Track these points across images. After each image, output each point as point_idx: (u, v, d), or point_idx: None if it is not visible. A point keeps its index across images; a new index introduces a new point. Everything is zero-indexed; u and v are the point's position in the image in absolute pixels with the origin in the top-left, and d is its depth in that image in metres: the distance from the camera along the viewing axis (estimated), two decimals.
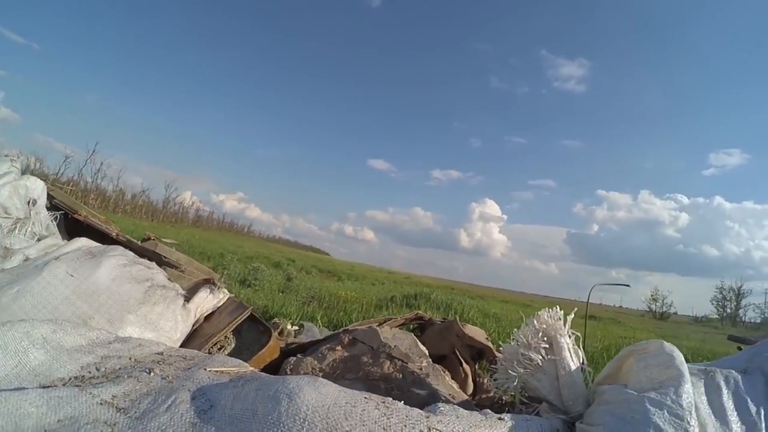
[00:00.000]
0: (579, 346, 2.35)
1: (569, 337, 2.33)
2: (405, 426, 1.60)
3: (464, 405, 2.11)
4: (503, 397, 3.23)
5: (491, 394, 3.51)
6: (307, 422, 1.50)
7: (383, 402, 1.72)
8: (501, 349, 2.59)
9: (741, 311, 64.52)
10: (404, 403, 1.78)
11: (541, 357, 2.27)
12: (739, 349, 3.16)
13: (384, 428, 1.57)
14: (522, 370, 2.30)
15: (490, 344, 4.13)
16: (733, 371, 2.06)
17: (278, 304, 8.63)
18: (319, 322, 7.75)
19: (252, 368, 2.15)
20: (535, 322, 2.38)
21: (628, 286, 5.48)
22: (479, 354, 4.12)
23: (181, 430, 1.52)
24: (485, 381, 3.91)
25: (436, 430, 1.64)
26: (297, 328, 5.96)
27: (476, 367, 4.02)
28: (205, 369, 1.92)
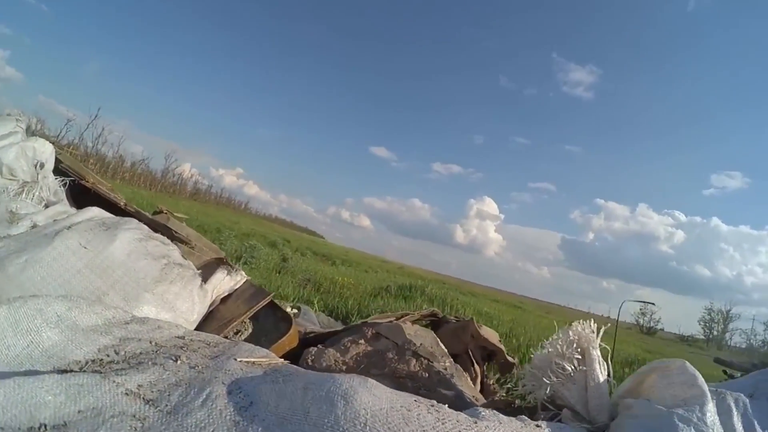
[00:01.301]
0: (607, 359, 2.40)
1: (599, 349, 2.39)
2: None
3: (487, 407, 2.08)
4: (515, 401, 3.28)
5: (497, 396, 3.50)
6: (368, 428, 1.39)
7: (432, 406, 1.65)
8: (532, 356, 2.64)
9: (727, 334, 65.33)
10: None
11: (573, 367, 2.33)
12: (724, 372, 3.21)
13: None
14: (555, 379, 2.35)
15: (502, 347, 4.17)
16: (742, 395, 2.16)
17: (275, 285, 8.57)
18: (316, 306, 7.68)
19: (283, 360, 2.02)
20: (570, 332, 2.43)
21: (653, 304, 5.64)
22: (489, 355, 4.14)
23: (224, 429, 1.37)
24: (491, 382, 3.98)
25: None
26: (296, 311, 5.84)
27: (483, 367, 4.00)
28: (236, 359, 1.79)
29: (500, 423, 1.76)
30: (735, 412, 2.04)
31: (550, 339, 2.51)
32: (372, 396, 1.51)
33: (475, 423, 1.64)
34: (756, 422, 2.03)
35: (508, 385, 4.52)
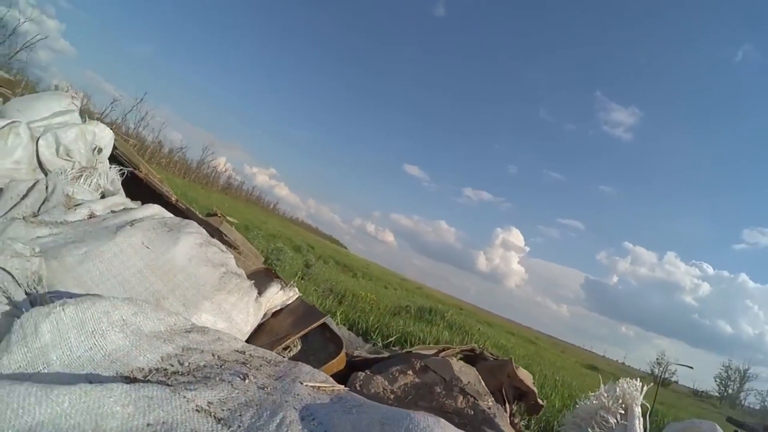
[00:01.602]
0: (646, 416, 2.48)
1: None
2: None
3: None
4: None
5: None
6: None
7: None
8: (578, 406, 2.76)
9: (742, 394, 64.05)
10: None
11: (615, 421, 2.43)
12: None
13: None
14: (597, 430, 2.45)
15: (535, 389, 4.19)
16: None
17: (299, 292, 8.51)
18: (338, 318, 7.63)
19: (344, 387, 1.96)
20: (617, 388, 2.54)
21: (691, 368, 5.71)
22: (520, 395, 4.17)
23: None
24: (518, 421, 4.03)
25: None
26: None
27: (512, 407, 4.01)
28: (301, 383, 1.75)
29: None
30: None
31: (596, 392, 2.62)
32: None
33: None
34: None
35: (534, 428, 4.80)
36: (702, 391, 64.64)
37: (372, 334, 7.75)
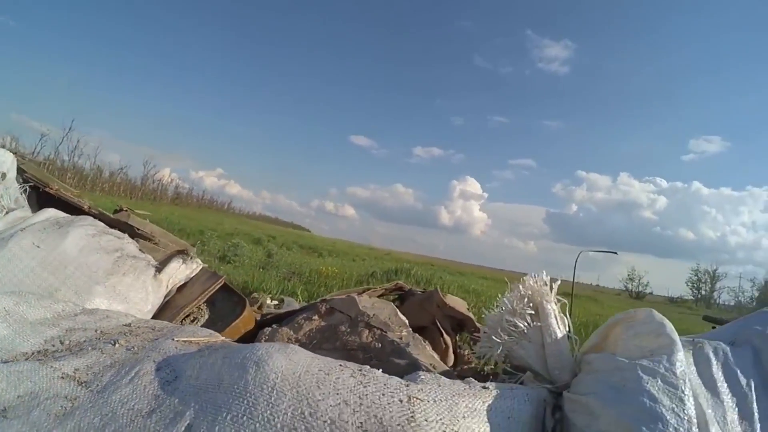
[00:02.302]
0: (565, 314, 2.25)
1: (556, 303, 2.23)
2: (383, 395, 1.51)
3: (445, 375, 1.99)
4: (485, 369, 3.19)
5: (472, 365, 3.50)
6: (275, 391, 1.42)
7: (359, 370, 1.64)
8: (484, 317, 2.48)
9: (715, 294, 66.44)
10: (383, 372, 1.70)
11: (526, 324, 2.18)
12: (713, 329, 3.20)
13: (360, 397, 1.48)
14: (507, 338, 2.21)
15: (471, 315, 4.07)
16: (722, 343, 2.00)
17: (258, 280, 8.59)
18: (299, 296, 7.72)
19: (223, 338, 2.07)
20: (521, 287, 2.28)
21: (615, 253, 5.56)
22: (460, 325, 4.08)
23: (144, 402, 1.44)
24: (466, 353, 3.91)
25: (417, 398, 1.54)
26: (276, 302, 5.91)
27: (457, 338, 3.99)
28: (173, 339, 1.85)
29: (439, 386, 1.69)
30: (714, 362, 1.89)
31: (501, 297, 2.38)
32: (287, 360, 1.54)
33: (407, 386, 1.61)
34: (738, 371, 1.88)
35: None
36: (677, 298, 66.70)
37: None
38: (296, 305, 5.47)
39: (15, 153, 3.55)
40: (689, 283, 68.95)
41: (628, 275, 63.33)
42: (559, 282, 2.29)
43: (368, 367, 1.71)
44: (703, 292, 67.68)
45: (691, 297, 66.95)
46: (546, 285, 2.25)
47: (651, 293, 63.49)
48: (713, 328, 2.92)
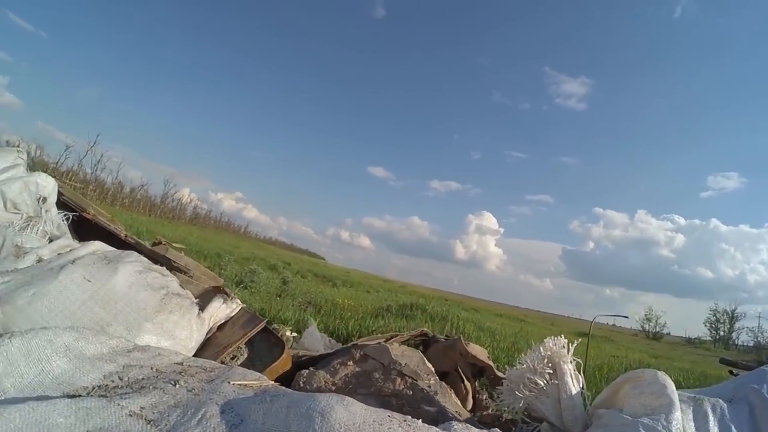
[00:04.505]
0: (579, 372, 2.58)
1: (571, 363, 2.56)
2: None
3: (469, 422, 2.24)
4: (503, 416, 3.34)
5: (489, 410, 3.60)
6: None
7: (405, 420, 1.77)
8: (507, 372, 2.79)
9: (734, 334, 64.54)
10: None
11: (545, 381, 2.49)
12: (731, 372, 3.28)
13: None
14: (528, 393, 2.51)
15: (491, 363, 4.28)
16: (720, 400, 2.26)
17: (275, 309, 8.64)
18: (316, 327, 7.74)
19: (273, 382, 2.16)
20: (541, 349, 2.61)
21: (626, 317, 5.75)
22: (480, 372, 4.27)
23: None
24: (484, 398, 4.07)
25: None
26: (296, 334, 5.97)
27: (476, 384, 4.14)
28: (229, 382, 1.93)
29: None
30: (711, 418, 2.14)
31: (524, 355, 2.71)
32: (347, 412, 1.64)
33: None
34: (733, 427, 2.12)
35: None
36: (695, 339, 65.16)
37: (353, 339, 7.84)
38: (317, 334, 5.54)
39: (54, 175, 3.68)
40: (707, 324, 67.15)
41: (645, 315, 62.03)
42: (575, 344, 2.64)
43: (410, 417, 1.83)
44: (722, 333, 65.83)
45: (710, 338, 65.28)
46: (564, 347, 2.59)
47: (668, 334, 62.03)
48: (730, 371, 3.28)
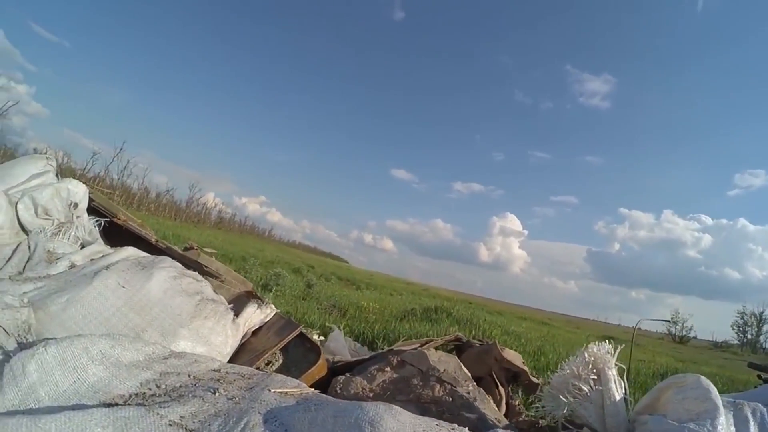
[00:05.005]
0: (623, 378, 2.51)
1: (615, 368, 2.51)
2: None
3: (510, 429, 2.36)
4: (540, 422, 3.32)
5: (522, 416, 3.60)
6: None
7: (453, 429, 1.74)
8: (550, 378, 2.78)
9: (762, 337, 63.26)
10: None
11: (588, 387, 2.45)
12: (759, 377, 3.20)
13: None
14: (572, 399, 2.47)
15: (526, 368, 4.26)
16: (760, 405, 2.23)
17: (301, 312, 8.64)
18: (343, 332, 7.71)
19: (313, 390, 2.12)
20: (586, 354, 2.55)
21: (668, 321, 5.66)
22: (514, 377, 4.26)
23: None
24: (516, 403, 4.01)
25: None
26: (322, 338, 5.94)
27: (509, 389, 4.07)
28: (269, 390, 1.89)
29: None
30: (752, 422, 2.13)
31: (567, 361, 2.65)
32: (396, 422, 1.59)
33: None
34: None
35: (535, 406, 4.55)
36: (722, 342, 63.88)
37: (378, 342, 7.80)
38: (341, 340, 5.51)
39: (84, 181, 3.68)
40: (735, 327, 65.87)
41: (672, 318, 60.98)
42: (619, 350, 2.60)
43: (456, 425, 1.80)
44: (750, 336, 64.53)
45: (737, 341, 64.00)
46: (608, 353, 2.54)
47: (695, 337, 60.93)
48: (758, 375, 3.28)
